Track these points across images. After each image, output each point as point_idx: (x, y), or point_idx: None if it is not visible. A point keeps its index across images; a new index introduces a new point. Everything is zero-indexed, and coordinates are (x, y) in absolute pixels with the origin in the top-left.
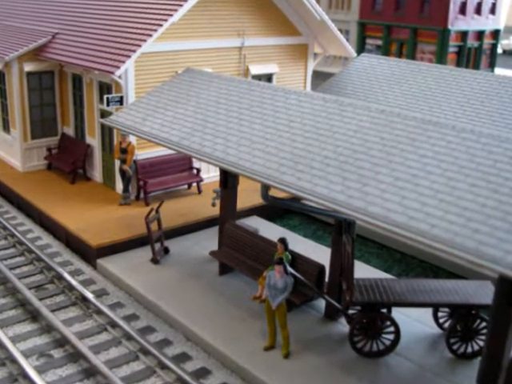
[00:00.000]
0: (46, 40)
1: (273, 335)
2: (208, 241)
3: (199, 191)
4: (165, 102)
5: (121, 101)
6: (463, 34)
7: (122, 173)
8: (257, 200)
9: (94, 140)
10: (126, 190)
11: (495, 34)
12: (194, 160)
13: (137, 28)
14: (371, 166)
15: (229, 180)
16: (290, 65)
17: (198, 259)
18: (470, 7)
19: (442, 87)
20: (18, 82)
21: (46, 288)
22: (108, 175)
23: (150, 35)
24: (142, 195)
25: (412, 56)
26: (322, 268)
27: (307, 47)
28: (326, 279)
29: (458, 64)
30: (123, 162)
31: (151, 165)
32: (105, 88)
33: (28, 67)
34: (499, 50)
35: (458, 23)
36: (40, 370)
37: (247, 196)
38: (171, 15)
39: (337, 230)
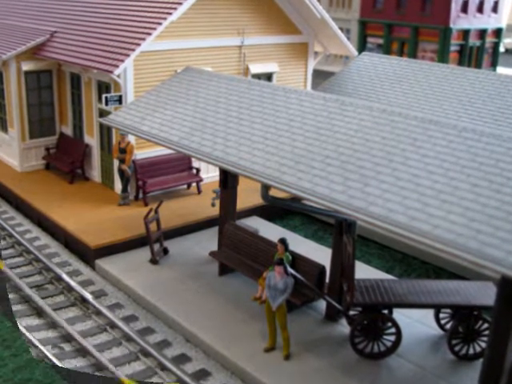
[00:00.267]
0: (44, 39)
1: (273, 336)
2: (208, 241)
3: (199, 191)
4: (164, 101)
5: (120, 100)
6: (465, 33)
7: (121, 173)
8: (257, 200)
9: (92, 139)
10: (124, 190)
11: (497, 32)
12: (193, 160)
13: (136, 27)
14: (372, 165)
15: (229, 180)
16: (291, 64)
17: (198, 260)
18: (472, 5)
19: (444, 86)
20: (15, 81)
21: (46, 288)
22: (107, 175)
23: (150, 34)
24: (141, 195)
25: (413, 55)
26: (322, 269)
27: (308, 46)
28: (327, 280)
29: (460, 63)
30: (122, 161)
31: (150, 164)
32: (103, 87)
33: (26, 66)
34: (501, 49)
35: (459, 22)
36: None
37: (247, 196)
38: (170, 14)
39: (337, 230)
